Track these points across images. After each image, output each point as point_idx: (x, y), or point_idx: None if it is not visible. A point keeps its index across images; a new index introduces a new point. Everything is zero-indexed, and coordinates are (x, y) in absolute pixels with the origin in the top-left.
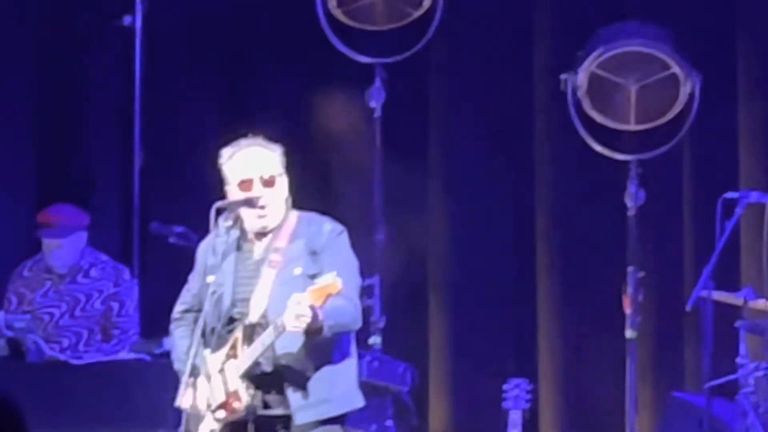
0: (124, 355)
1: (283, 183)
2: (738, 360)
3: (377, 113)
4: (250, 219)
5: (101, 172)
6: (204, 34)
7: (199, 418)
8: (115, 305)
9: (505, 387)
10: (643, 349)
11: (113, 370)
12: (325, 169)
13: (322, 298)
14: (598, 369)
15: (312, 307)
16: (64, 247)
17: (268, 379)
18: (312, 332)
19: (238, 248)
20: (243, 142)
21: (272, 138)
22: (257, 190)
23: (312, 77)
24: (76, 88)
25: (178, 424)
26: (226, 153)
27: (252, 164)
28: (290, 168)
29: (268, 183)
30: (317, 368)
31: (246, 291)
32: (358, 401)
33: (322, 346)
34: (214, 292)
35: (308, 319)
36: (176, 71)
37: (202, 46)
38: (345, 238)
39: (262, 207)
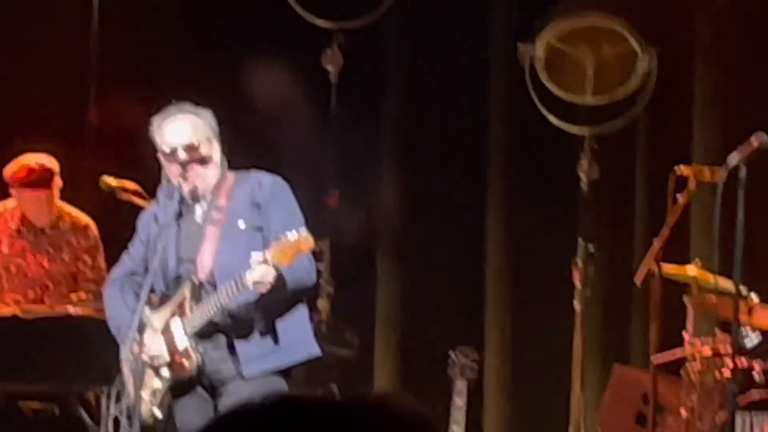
0: (72, 310)
1: (210, 148)
2: (685, 335)
3: (333, 79)
4: (181, 186)
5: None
6: None
7: (141, 376)
8: (88, 259)
9: (451, 355)
10: (591, 321)
11: (60, 325)
12: (277, 131)
13: (289, 256)
14: (546, 340)
15: (276, 267)
16: (45, 199)
17: (217, 336)
18: (273, 291)
19: (179, 214)
20: (170, 109)
21: (213, 100)
22: (182, 159)
23: (266, 39)
24: None
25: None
26: (155, 121)
27: (176, 134)
28: (234, 130)
29: (193, 150)
30: (268, 321)
31: (190, 251)
32: (312, 349)
33: (276, 301)
34: (159, 259)
35: (271, 279)
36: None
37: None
38: (288, 190)
39: (188, 175)
